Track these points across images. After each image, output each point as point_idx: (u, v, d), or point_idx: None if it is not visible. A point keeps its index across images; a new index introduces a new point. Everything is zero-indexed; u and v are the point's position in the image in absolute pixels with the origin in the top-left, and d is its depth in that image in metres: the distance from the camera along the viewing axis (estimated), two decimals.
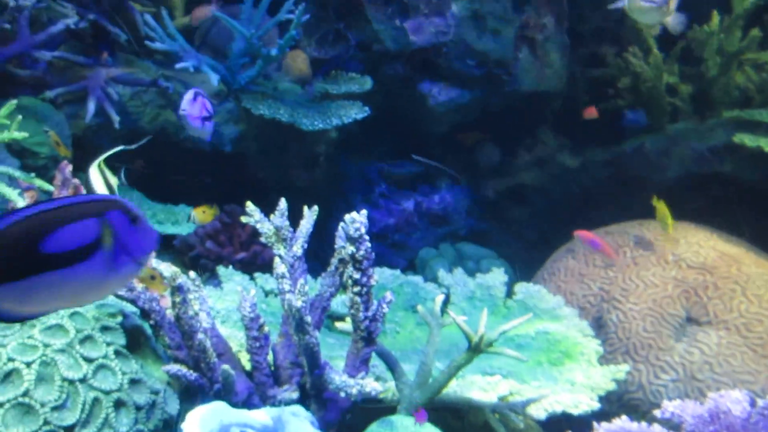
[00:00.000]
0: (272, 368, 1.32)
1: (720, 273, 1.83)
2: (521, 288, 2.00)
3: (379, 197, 2.58)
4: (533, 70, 2.38)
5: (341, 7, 2.32)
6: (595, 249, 1.93)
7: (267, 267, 2.20)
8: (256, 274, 2.02)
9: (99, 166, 1.26)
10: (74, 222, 0.61)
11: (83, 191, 1.54)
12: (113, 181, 1.29)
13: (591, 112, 2.25)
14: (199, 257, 2.19)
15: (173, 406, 1.20)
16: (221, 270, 2.00)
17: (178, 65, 1.95)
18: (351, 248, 1.18)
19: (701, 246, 1.91)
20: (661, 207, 1.82)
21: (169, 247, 2.11)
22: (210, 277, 2.16)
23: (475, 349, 1.18)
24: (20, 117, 1.37)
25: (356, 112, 2.14)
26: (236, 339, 1.56)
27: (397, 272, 2.19)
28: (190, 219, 1.83)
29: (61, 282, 0.61)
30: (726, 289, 1.80)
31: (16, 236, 0.59)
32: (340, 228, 1.27)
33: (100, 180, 1.26)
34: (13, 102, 1.36)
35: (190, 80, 2.15)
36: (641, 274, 1.90)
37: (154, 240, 0.69)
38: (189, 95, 1.68)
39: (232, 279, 1.98)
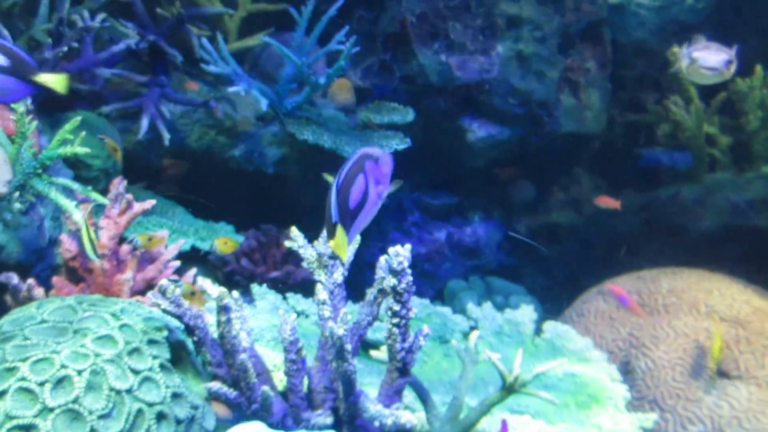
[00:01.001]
0: (306, 391, 1.35)
1: (753, 328, 1.82)
2: (550, 327, 2.01)
3: (411, 226, 2.61)
4: (574, 112, 2.41)
5: (388, 39, 2.38)
6: (624, 305, 1.94)
7: (299, 287, 2.24)
8: (288, 295, 2.06)
9: (86, 224, 1.40)
10: (357, 179, 0.95)
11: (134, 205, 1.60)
12: (93, 236, 1.41)
13: (609, 202, 2.27)
14: (234, 273, 2.24)
15: (210, 422, 1.23)
16: (255, 288, 2.04)
17: (231, 89, 2.02)
18: (393, 281, 1.21)
19: (735, 299, 1.91)
20: (717, 336, 1.76)
21: (204, 261, 2.17)
22: (242, 293, 2.21)
23: (509, 389, 1.20)
24: (84, 133, 1.43)
25: (398, 143, 2.18)
26: (269, 358, 1.59)
27: (426, 302, 2.21)
28: (212, 248, 1.94)
29: (362, 220, 0.97)
30: (758, 345, 1.79)
31: (342, 199, 0.93)
32: (382, 260, 1.30)
33: (86, 235, 1.40)
34: (78, 118, 1.42)
35: (239, 101, 2.23)
36: (672, 322, 1.90)
37: (389, 163, 0.98)
38: None
39: (265, 298, 2.02)
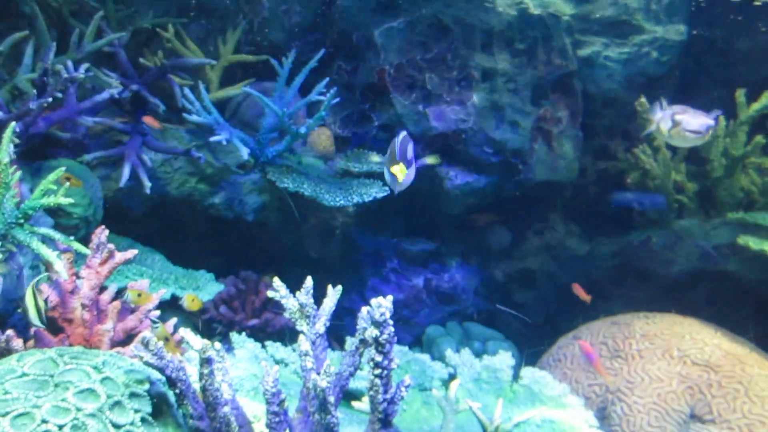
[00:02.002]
0: None
1: (724, 372, 1.87)
2: (528, 373, 2.03)
3: (390, 272, 2.64)
4: (547, 160, 2.49)
5: (367, 89, 2.44)
6: (589, 362, 1.98)
7: (277, 335, 2.24)
8: (268, 343, 2.06)
9: (32, 289, 1.42)
10: (411, 145, 1.47)
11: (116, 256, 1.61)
12: (41, 304, 1.43)
13: (580, 292, 2.34)
14: (212, 321, 2.23)
15: None
16: (234, 336, 2.03)
17: (212, 138, 2.05)
18: (375, 332, 1.23)
19: (706, 343, 1.95)
20: None
21: (182, 307, 2.16)
22: (221, 340, 2.20)
23: None
24: (68, 184, 1.44)
25: (377, 191, 2.22)
26: (249, 408, 1.59)
27: (405, 349, 2.22)
28: (180, 302, 2.00)
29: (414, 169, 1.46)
30: (730, 389, 1.83)
31: (403, 150, 1.42)
32: (364, 310, 1.32)
33: (32, 301, 1.42)
34: (62, 168, 1.43)
35: (220, 149, 2.25)
36: (646, 367, 1.94)
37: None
38: None
39: (245, 346, 2.01)
